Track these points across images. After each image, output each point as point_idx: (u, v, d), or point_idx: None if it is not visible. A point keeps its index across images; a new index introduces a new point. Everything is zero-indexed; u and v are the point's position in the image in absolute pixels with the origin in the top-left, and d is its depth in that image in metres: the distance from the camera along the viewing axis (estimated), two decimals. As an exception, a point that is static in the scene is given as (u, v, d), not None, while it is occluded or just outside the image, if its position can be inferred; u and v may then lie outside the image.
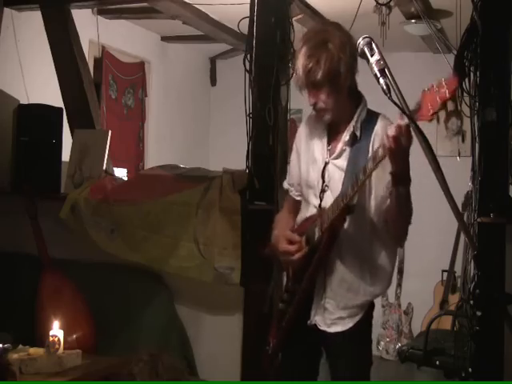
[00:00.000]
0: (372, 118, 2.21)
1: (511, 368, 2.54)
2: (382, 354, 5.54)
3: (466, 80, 2.65)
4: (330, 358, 2.33)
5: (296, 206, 2.42)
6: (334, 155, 2.22)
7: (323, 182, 2.23)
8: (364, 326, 2.32)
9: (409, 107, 1.74)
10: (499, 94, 2.55)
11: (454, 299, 5.14)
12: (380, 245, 2.22)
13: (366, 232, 2.20)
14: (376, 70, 1.79)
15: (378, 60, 1.80)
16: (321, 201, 2.22)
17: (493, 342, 2.54)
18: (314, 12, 4.54)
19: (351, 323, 2.27)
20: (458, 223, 1.70)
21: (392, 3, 3.99)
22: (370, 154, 2.08)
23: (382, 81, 1.76)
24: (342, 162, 2.20)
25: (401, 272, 5.62)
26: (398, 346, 5.26)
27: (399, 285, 5.60)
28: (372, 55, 1.83)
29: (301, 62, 2.09)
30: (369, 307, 2.32)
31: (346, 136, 2.19)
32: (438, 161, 1.64)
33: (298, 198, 2.41)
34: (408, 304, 5.59)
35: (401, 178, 1.96)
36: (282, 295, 2.40)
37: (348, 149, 2.19)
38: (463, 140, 5.03)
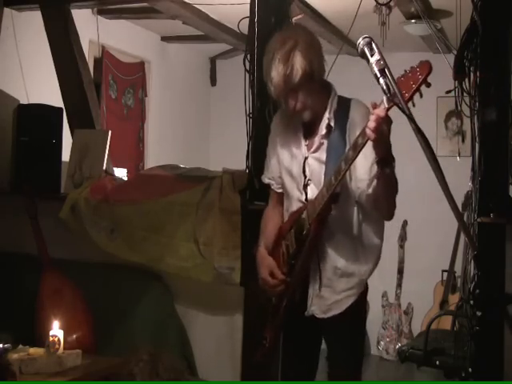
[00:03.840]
0: (344, 104, 2.28)
1: (511, 368, 2.54)
2: (382, 354, 5.54)
3: (466, 80, 2.65)
4: (328, 340, 2.39)
5: (280, 199, 2.49)
6: (313, 149, 2.29)
7: (305, 176, 2.29)
8: (359, 304, 2.36)
9: (409, 107, 1.74)
10: (499, 93, 2.55)
11: (454, 299, 5.15)
12: (367, 224, 2.29)
13: (353, 216, 2.27)
14: (376, 70, 1.79)
15: (378, 60, 1.80)
16: (306, 195, 2.29)
17: (493, 342, 2.54)
18: (314, 12, 4.54)
19: (346, 305, 2.31)
20: (458, 223, 1.70)
21: (392, 3, 3.99)
22: (347, 141, 2.17)
23: (381, 81, 1.77)
24: (321, 154, 2.26)
25: (401, 272, 5.63)
26: (397, 346, 5.26)
27: (399, 285, 5.60)
28: (372, 55, 1.83)
29: (277, 70, 2.14)
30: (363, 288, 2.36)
31: (322, 129, 2.26)
32: (438, 161, 1.64)
33: (280, 191, 2.47)
34: (408, 304, 5.59)
35: (386, 161, 2.01)
36: None
37: (325, 141, 2.26)
38: (463, 140, 5.02)
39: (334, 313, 2.30)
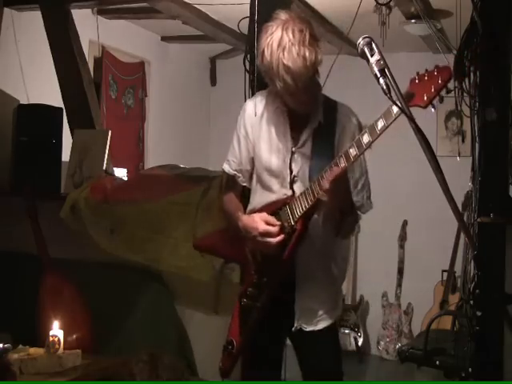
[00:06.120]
0: (329, 103, 2.23)
1: (511, 368, 2.54)
2: (382, 354, 5.55)
3: (466, 80, 2.65)
4: (308, 355, 2.31)
5: (241, 192, 2.40)
6: (300, 143, 2.21)
7: (291, 172, 2.21)
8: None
9: (409, 107, 1.74)
10: (499, 93, 2.55)
11: (454, 299, 5.15)
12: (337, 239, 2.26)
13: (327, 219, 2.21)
14: (376, 70, 1.79)
15: (378, 60, 1.80)
16: (292, 191, 2.20)
17: (493, 342, 2.54)
18: (314, 12, 4.54)
19: (337, 314, 2.30)
20: (458, 223, 1.70)
21: (392, 3, 4.00)
22: (336, 146, 2.16)
23: (381, 81, 1.76)
24: (307, 150, 2.20)
25: (401, 272, 5.63)
26: (398, 346, 5.27)
27: (399, 285, 5.61)
28: (372, 55, 1.83)
29: (293, 59, 2.01)
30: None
31: (313, 124, 2.19)
32: (438, 161, 1.63)
33: (245, 184, 2.37)
34: (408, 304, 5.59)
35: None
36: (245, 290, 2.31)
37: (312, 137, 2.20)
38: (463, 140, 5.01)
39: (325, 324, 2.26)
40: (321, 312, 2.26)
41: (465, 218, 2.87)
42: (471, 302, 2.58)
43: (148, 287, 3.20)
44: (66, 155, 3.53)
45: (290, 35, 2.03)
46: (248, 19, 2.96)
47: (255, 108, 2.30)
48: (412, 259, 5.66)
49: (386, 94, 1.75)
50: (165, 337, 3.10)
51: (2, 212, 3.47)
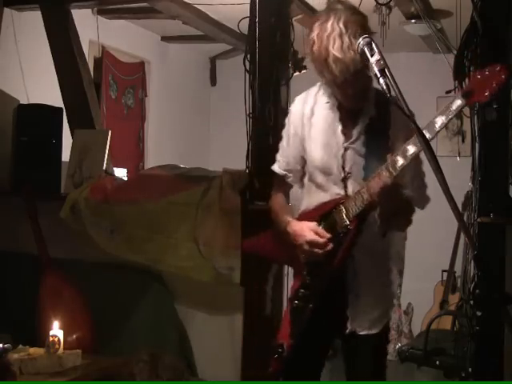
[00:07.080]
0: (383, 97, 2.08)
1: (511, 368, 2.54)
2: (382, 354, 5.54)
3: (466, 80, 2.65)
4: (360, 355, 2.25)
5: (289, 193, 2.35)
6: (352, 139, 2.13)
7: (344, 168, 2.13)
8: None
9: (408, 107, 1.74)
10: (499, 93, 2.55)
11: (454, 299, 5.15)
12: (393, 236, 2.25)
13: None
14: (376, 69, 1.79)
15: (378, 60, 1.80)
16: (345, 188, 2.13)
17: (493, 341, 2.54)
18: (314, 12, 4.54)
19: (388, 318, 2.26)
20: (458, 223, 1.70)
21: (392, 3, 4.00)
22: (389, 136, 2.07)
23: (381, 81, 1.76)
24: (360, 146, 2.12)
25: (401, 272, 5.63)
26: (398, 346, 5.26)
27: (399, 285, 5.60)
28: (372, 55, 1.83)
29: (344, 49, 1.95)
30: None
31: (364, 119, 2.12)
32: (438, 161, 1.64)
33: (295, 184, 2.33)
34: (408, 304, 5.59)
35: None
36: (296, 291, 2.25)
37: (365, 133, 2.12)
38: (463, 140, 5.02)
39: (377, 329, 2.20)
40: (374, 316, 2.20)
41: (465, 218, 2.88)
42: (471, 301, 2.58)
43: (148, 287, 3.20)
44: (66, 155, 3.53)
45: (342, 26, 1.97)
46: (248, 19, 2.96)
47: (304, 105, 2.24)
48: (412, 259, 5.65)
49: (385, 94, 1.75)
50: (165, 337, 3.10)
51: (2, 212, 3.47)
